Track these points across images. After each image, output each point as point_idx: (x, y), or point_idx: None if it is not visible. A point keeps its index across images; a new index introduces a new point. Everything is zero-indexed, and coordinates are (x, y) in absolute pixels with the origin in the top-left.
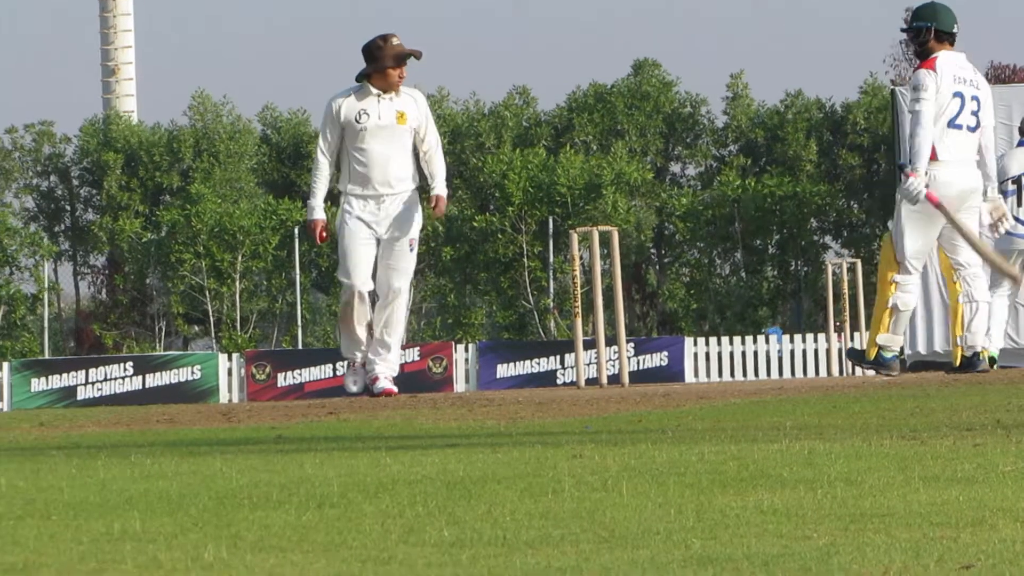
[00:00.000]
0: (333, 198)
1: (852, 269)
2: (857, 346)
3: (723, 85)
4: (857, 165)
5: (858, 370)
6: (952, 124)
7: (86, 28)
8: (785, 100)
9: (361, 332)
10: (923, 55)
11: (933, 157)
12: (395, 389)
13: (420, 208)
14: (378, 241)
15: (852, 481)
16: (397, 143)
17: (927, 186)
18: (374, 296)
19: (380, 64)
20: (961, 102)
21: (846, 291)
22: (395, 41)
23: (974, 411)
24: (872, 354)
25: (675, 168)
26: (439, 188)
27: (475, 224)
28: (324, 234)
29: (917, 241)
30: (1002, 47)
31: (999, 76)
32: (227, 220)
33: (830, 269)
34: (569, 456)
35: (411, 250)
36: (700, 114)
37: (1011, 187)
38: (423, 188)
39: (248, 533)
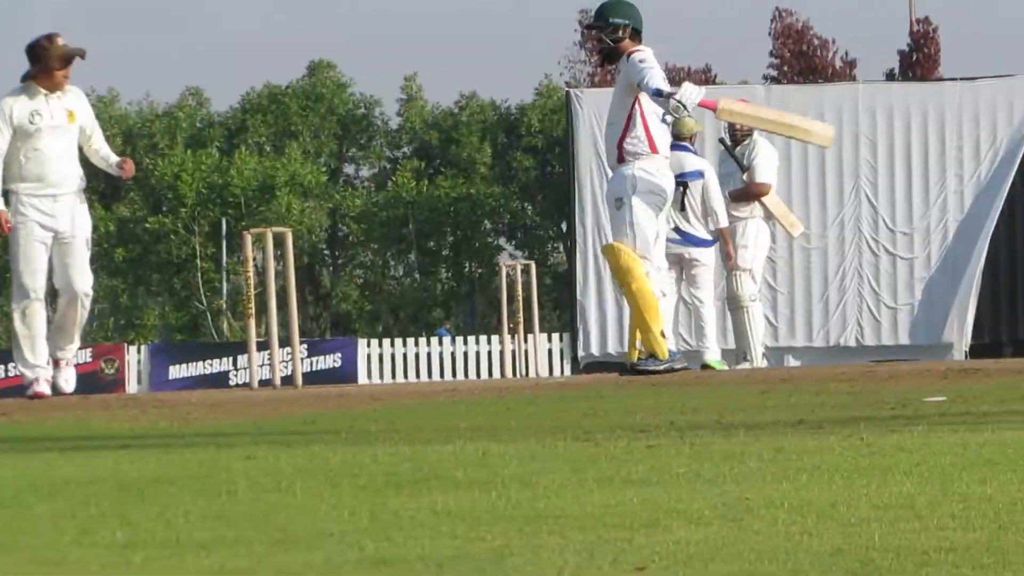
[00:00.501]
0: None
1: (526, 271)
2: (636, 361)
3: (397, 87)
4: (531, 167)
5: (531, 371)
6: (663, 120)
7: None
8: (459, 102)
9: (41, 347)
10: (614, 53)
11: (654, 150)
12: (47, 393)
13: (88, 207)
14: (52, 241)
15: (526, 483)
16: (68, 141)
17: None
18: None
19: (46, 65)
20: None
21: (520, 293)
22: (60, 41)
23: (648, 413)
24: (665, 351)
25: (349, 170)
26: (117, 157)
27: (148, 225)
28: (9, 225)
29: (650, 231)
30: (675, 49)
31: (673, 79)
32: None
33: (504, 271)
34: (242, 457)
35: (88, 249)
36: (374, 116)
37: None
38: (90, 185)
39: None
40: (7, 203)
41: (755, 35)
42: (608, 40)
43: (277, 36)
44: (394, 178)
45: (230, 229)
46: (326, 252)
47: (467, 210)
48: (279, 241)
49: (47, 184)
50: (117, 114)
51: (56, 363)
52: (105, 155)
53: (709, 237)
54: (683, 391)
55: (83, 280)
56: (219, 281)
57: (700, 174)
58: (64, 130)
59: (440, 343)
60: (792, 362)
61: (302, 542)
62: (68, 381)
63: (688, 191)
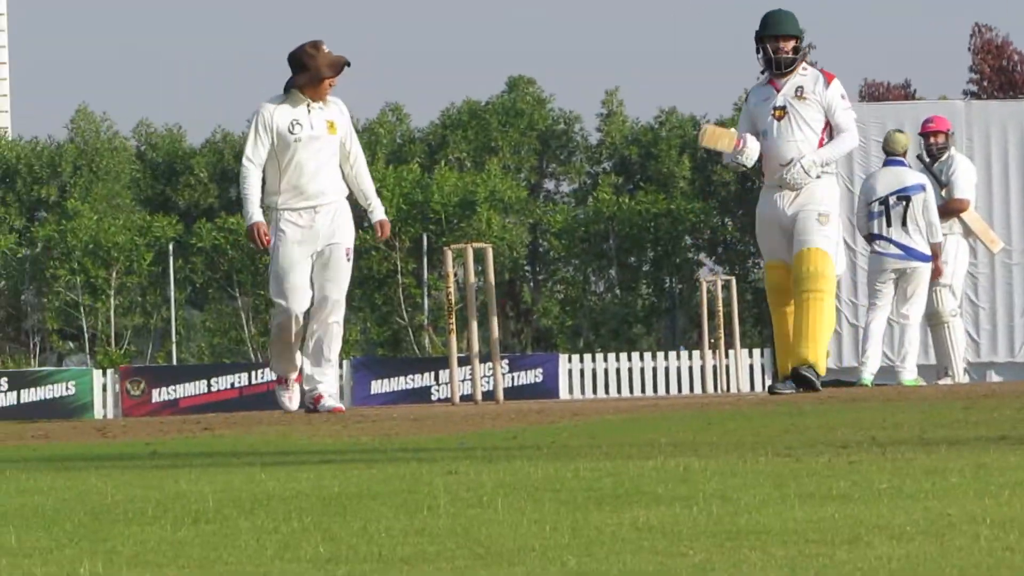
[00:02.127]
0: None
1: (727, 287)
2: (811, 376)
3: (598, 102)
4: (731, 182)
5: (732, 387)
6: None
7: None
8: (659, 117)
9: (296, 352)
10: (786, 64)
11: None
12: (342, 407)
13: (351, 217)
14: (313, 255)
15: (727, 498)
16: (328, 153)
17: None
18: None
19: (316, 73)
20: None
21: (721, 309)
22: (326, 48)
23: (849, 428)
24: (824, 369)
25: (549, 185)
26: (378, 212)
27: None
28: (268, 237)
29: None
30: (874, 64)
31: (872, 94)
32: (102, 236)
33: (704, 286)
34: (444, 472)
35: (348, 260)
36: (574, 131)
37: (878, 208)
38: (351, 200)
39: (124, 548)
40: (266, 217)
41: (954, 50)
42: (795, 53)
43: (476, 51)
44: (594, 193)
45: (431, 245)
46: (527, 268)
47: (667, 225)
48: (480, 257)
49: (304, 196)
50: None
51: (319, 398)
52: (363, 188)
53: (929, 252)
54: (885, 406)
55: (338, 292)
56: (420, 296)
57: (922, 187)
58: (323, 141)
59: (678, 357)
60: (995, 377)
61: (504, 557)
62: (333, 396)
63: (911, 205)
